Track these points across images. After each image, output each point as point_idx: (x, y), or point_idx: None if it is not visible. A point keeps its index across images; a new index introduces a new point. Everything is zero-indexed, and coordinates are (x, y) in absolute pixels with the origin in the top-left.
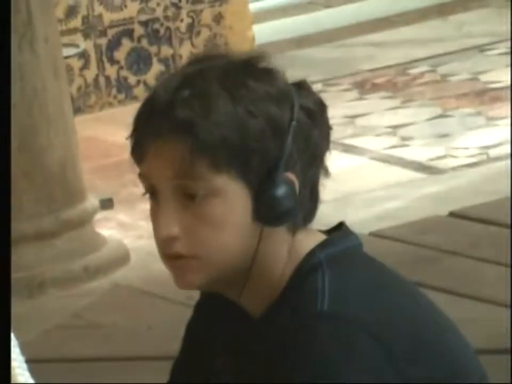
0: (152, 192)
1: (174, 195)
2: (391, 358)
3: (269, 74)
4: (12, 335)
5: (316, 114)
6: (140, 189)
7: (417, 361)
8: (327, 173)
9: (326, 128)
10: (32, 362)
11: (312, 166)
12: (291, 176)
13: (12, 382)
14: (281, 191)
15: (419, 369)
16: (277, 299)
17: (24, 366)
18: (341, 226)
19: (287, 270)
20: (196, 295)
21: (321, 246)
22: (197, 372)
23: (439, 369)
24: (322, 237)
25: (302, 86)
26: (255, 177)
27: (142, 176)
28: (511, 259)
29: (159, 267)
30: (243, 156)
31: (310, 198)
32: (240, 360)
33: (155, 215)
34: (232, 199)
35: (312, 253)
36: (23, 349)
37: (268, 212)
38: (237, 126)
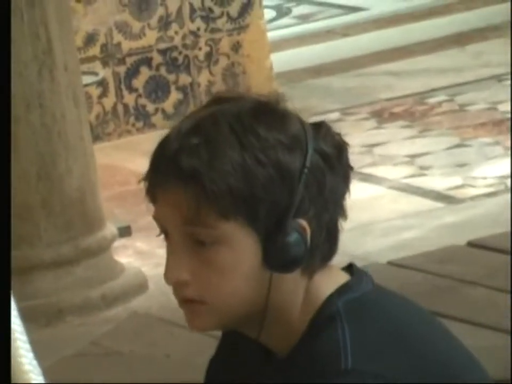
0: (166, 234)
1: (184, 240)
2: None
3: (282, 120)
4: (36, 363)
5: (332, 157)
6: None
7: None
8: (344, 214)
9: (344, 169)
10: None
11: (328, 209)
12: (303, 222)
13: None
14: (290, 238)
15: None
16: (298, 344)
17: None
18: (351, 267)
19: (306, 313)
20: None
21: (338, 292)
22: None
23: None
24: (340, 277)
25: (320, 127)
26: (264, 225)
27: (155, 217)
28: None
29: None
30: (250, 204)
31: (328, 240)
32: None
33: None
34: (240, 246)
35: (330, 300)
36: (56, 372)
37: (277, 259)
38: (244, 174)
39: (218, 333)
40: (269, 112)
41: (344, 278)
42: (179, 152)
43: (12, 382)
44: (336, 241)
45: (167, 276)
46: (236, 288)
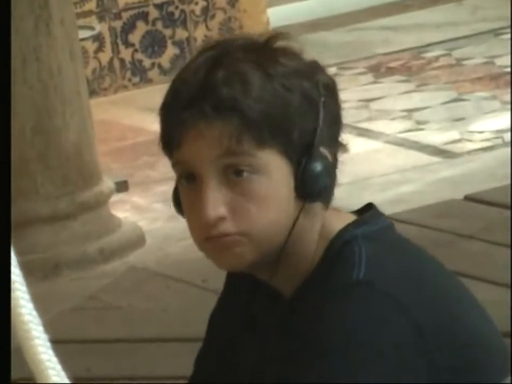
0: (190, 178)
1: (219, 175)
2: (420, 336)
3: (293, 52)
4: (36, 313)
5: (335, 90)
6: (155, 171)
7: (444, 346)
8: (344, 149)
9: (340, 104)
10: (57, 343)
11: (337, 141)
12: (324, 151)
13: (34, 362)
14: (319, 166)
15: (444, 353)
16: (308, 277)
17: (48, 344)
18: (370, 206)
19: (320, 248)
20: (211, 278)
21: (355, 224)
22: (223, 357)
23: (463, 354)
24: (353, 217)
25: (317, 63)
26: (296, 153)
27: (178, 162)
28: None
29: (174, 249)
30: (284, 130)
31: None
32: (268, 338)
33: (194, 200)
34: (275, 175)
35: (345, 229)
36: (54, 325)
37: (309, 187)
38: (277, 101)
39: (215, 287)
40: (278, 45)
41: (354, 217)
42: (211, 84)
43: (12, 332)
44: (336, 177)
45: (205, 215)
46: (273, 217)
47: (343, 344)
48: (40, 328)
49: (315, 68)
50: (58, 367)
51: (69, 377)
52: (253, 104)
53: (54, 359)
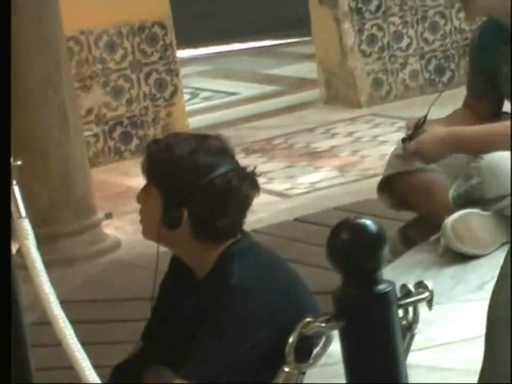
0: None
1: (144, 187)
2: (271, 312)
3: (195, 151)
4: (52, 290)
5: (224, 191)
6: (126, 207)
7: (285, 312)
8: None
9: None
10: (70, 303)
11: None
12: (184, 210)
13: (49, 313)
14: (171, 214)
15: (285, 316)
16: (209, 272)
17: (59, 307)
18: (242, 231)
19: (213, 257)
20: (160, 264)
21: (235, 243)
22: (167, 306)
23: (295, 315)
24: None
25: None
26: (164, 201)
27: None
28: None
29: (138, 250)
30: (160, 185)
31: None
32: (189, 302)
33: None
34: (153, 200)
35: (230, 247)
36: (72, 293)
37: (163, 220)
38: (164, 169)
39: (162, 269)
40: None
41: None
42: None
43: (38, 303)
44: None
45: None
46: (149, 221)
47: (228, 324)
48: (56, 299)
49: (208, 162)
50: (63, 313)
51: (70, 320)
52: (149, 161)
53: (62, 314)
